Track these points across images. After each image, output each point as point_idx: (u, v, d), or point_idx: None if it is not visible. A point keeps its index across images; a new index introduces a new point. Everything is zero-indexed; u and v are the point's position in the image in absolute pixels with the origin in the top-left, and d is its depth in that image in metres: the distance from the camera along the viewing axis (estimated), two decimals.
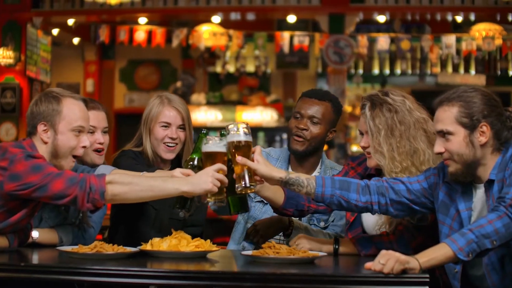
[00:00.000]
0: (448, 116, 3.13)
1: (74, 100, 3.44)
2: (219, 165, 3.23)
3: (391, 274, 2.77)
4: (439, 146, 3.17)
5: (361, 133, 3.59)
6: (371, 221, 3.64)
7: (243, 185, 3.23)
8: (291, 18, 10.29)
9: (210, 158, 3.32)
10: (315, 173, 4.07)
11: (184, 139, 4.11)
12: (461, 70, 11.47)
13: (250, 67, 12.30)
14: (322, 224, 4.03)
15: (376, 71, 11.83)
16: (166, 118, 4.06)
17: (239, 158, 3.18)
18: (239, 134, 3.21)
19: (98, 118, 3.91)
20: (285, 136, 11.57)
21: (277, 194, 3.54)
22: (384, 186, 3.33)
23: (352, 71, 11.63)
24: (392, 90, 3.58)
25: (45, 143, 3.39)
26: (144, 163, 4.08)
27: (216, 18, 10.28)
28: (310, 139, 3.97)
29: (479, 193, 3.20)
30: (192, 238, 3.45)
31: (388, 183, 3.34)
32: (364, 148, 3.57)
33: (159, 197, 3.28)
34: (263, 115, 11.84)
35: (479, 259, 3.07)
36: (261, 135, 11.95)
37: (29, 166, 3.20)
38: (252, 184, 3.24)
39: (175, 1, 10.06)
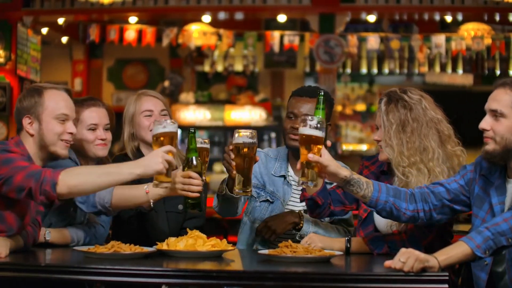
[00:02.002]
0: (507, 98, 3.20)
1: (56, 91, 3.49)
2: (168, 147, 3.27)
3: (411, 273, 2.82)
4: (485, 123, 3.24)
5: (377, 128, 3.68)
6: (382, 219, 3.68)
7: (308, 181, 3.22)
8: (281, 18, 10.30)
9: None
10: None
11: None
12: (449, 69, 11.51)
13: (238, 66, 12.29)
14: (326, 219, 4.06)
15: (364, 70, 11.86)
16: (147, 107, 4.18)
17: (310, 156, 3.17)
18: (311, 128, 3.20)
19: (99, 115, 3.94)
20: (273, 135, 11.60)
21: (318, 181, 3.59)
22: (425, 192, 3.40)
23: (340, 70, 11.64)
24: (412, 89, 3.68)
25: (32, 135, 3.43)
26: None
27: (207, 17, 10.27)
28: None
29: (510, 187, 3.28)
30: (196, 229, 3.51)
31: (428, 188, 3.42)
32: (377, 141, 3.67)
33: (116, 182, 3.28)
34: (252, 114, 11.84)
35: (503, 256, 3.13)
36: None
37: (2, 159, 3.24)
38: (316, 181, 3.24)
39: (165, 0, 10.03)
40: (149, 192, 3.53)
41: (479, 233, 3.01)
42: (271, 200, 4.07)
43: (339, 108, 11.54)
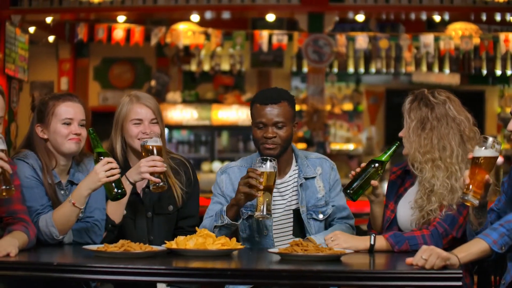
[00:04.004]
0: None
1: None
2: None
3: (430, 270, 2.83)
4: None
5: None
6: (404, 218, 3.74)
7: (470, 197, 3.18)
8: (270, 17, 10.30)
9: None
10: (293, 167, 4.08)
11: (160, 133, 4.08)
12: (436, 69, 11.57)
13: (225, 66, 12.29)
14: (321, 216, 4.03)
15: (351, 69, 11.89)
16: (137, 115, 4.08)
17: (487, 177, 3.16)
18: (497, 151, 3.20)
19: (74, 110, 3.86)
20: None
21: (381, 215, 3.83)
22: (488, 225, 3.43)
23: (327, 69, 11.65)
24: (441, 90, 3.79)
25: None
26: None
27: (195, 17, 10.25)
28: (282, 142, 3.96)
29: None
30: (191, 228, 3.50)
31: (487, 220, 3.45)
32: (400, 137, 3.78)
33: None
34: (239, 114, 11.86)
35: None
36: (236, 133, 12.00)
37: None
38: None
39: (154, 0, 10.00)
40: (75, 203, 3.57)
41: (494, 229, 3.10)
42: (252, 214, 4.02)
43: (327, 107, 11.55)
